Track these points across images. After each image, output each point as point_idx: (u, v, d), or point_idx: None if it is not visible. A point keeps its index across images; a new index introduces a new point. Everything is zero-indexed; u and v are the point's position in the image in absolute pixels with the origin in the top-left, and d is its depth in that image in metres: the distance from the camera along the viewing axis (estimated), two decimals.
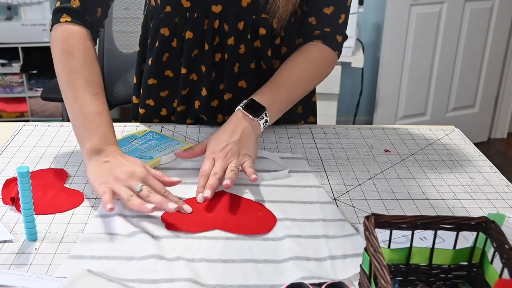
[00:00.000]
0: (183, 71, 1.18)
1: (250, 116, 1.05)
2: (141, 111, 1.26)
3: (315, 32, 1.16)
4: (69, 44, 1.03)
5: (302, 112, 1.29)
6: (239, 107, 1.07)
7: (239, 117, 1.06)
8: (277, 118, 1.13)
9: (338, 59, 1.21)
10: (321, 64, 1.16)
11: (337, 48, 1.18)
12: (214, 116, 1.23)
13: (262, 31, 1.15)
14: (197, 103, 1.21)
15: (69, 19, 1.05)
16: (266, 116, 1.07)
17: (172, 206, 0.86)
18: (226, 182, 0.92)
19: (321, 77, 1.18)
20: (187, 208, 0.90)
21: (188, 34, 1.14)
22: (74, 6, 1.06)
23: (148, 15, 1.21)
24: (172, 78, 1.21)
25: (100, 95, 1.00)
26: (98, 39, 1.17)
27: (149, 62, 1.20)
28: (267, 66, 1.19)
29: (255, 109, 1.06)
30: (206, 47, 1.15)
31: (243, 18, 1.13)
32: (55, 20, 1.06)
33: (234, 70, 1.18)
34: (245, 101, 1.08)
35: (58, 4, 1.07)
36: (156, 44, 1.18)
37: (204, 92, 1.19)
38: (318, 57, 1.16)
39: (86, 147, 0.95)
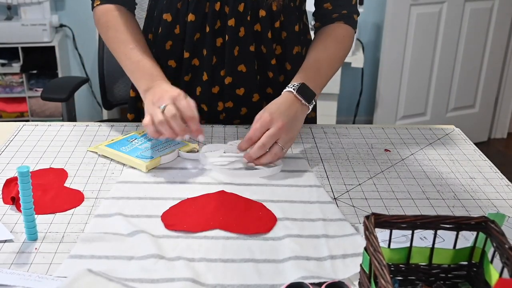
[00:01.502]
0: (186, 55, 1.21)
1: (303, 101, 1.09)
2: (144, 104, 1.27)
3: (333, 15, 1.22)
4: (103, 21, 1.20)
5: None
6: (290, 89, 1.09)
7: (292, 100, 1.08)
8: None
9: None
10: (347, 43, 1.24)
11: (356, 26, 1.25)
12: (214, 104, 1.25)
13: (262, 12, 1.17)
14: (198, 89, 1.23)
15: (99, 3, 1.21)
16: (315, 101, 1.13)
17: (185, 137, 1.02)
18: (266, 160, 1.04)
19: (347, 54, 1.25)
20: (200, 137, 1.03)
21: (190, 17, 1.17)
22: None
23: (150, 9, 1.25)
24: (175, 68, 1.23)
25: (137, 47, 1.16)
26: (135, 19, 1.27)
27: (153, 51, 1.23)
28: (267, 50, 1.21)
29: (308, 94, 1.10)
30: (207, 29, 1.18)
31: (243, 0, 1.16)
32: (92, 6, 1.23)
33: (234, 54, 1.20)
34: (296, 83, 1.10)
35: None
36: (159, 31, 1.21)
37: (205, 77, 1.21)
38: (344, 37, 1.23)
39: (141, 90, 1.12)
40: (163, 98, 1.03)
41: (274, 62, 1.23)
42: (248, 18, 1.17)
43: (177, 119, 1.00)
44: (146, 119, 1.02)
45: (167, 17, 1.19)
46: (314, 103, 1.12)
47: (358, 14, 1.25)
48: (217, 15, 1.17)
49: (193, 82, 1.24)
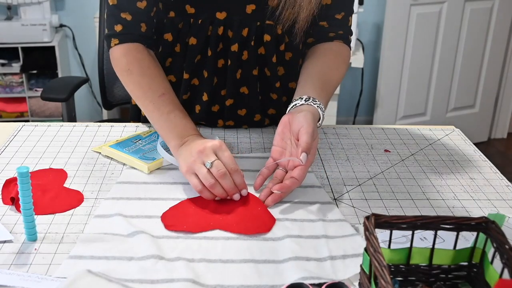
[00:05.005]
0: (185, 76, 1.18)
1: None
2: (143, 113, 1.25)
3: (329, 34, 1.19)
4: (123, 63, 1.11)
5: None
6: (321, 112, 1.01)
7: (316, 125, 0.99)
8: None
9: None
10: (348, 62, 1.22)
11: (350, 48, 1.24)
12: (214, 121, 1.23)
13: (267, 37, 1.15)
14: (197, 108, 1.21)
15: (117, 42, 1.12)
16: None
17: (236, 197, 0.93)
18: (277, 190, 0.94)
19: None
20: (244, 192, 0.94)
21: (192, 40, 1.15)
22: (117, 31, 1.11)
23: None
24: (175, 83, 1.20)
25: (166, 95, 1.07)
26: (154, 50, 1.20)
27: None
28: (271, 72, 1.19)
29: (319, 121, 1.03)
30: (209, 53, 1.16)
31: (247, 25, 1.14)
32: (108, 46, 1.14)
33: (236, 77, 1.18)
34: (322, 109, 1.02)
35: (106, 31, 1.14)
36: (160, 49, 1.18)
37: (205, 97, 1.19)
38: (347, 57, 1.21)
39: (171, 145, 1.02)
40: (205, 151, 0.93)
41: (279, 85, 1.21)
42: (252, 43, 1.15)
43: (227, 177, 0.92)
44: (195, 181, 0.93)
45: (167, 37, 1.16)
46: None
47: (352, 34, 1.23)
48: (220, 39, 1.15)
49: (192, 101, 1.21)
